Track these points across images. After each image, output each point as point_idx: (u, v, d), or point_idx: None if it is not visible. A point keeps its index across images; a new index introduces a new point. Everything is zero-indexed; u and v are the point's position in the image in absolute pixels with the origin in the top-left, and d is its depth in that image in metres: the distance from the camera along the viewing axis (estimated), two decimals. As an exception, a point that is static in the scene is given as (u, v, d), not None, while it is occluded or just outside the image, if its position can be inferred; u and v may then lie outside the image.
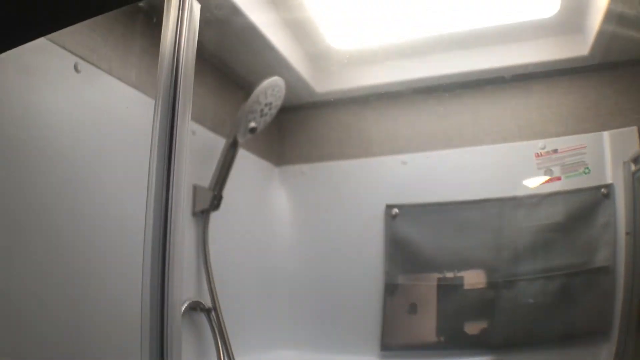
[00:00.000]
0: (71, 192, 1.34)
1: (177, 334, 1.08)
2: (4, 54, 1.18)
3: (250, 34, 1.76)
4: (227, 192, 1.81)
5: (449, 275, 1.90)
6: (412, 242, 1.97)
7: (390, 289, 1.98)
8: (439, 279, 1.91)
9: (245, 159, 2.04)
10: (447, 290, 1.91)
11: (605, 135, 1.80)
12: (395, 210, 2.00)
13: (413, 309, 1.95)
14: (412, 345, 1.96)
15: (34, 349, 1.21)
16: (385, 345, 1.97)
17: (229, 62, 1.93)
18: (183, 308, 1.65)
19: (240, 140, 1.73)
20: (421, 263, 1.95)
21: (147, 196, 1.28)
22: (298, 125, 2.27)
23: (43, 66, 1.32)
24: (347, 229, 2.10)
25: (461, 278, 1.89)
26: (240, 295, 1.94)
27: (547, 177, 1.84)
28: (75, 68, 1.40)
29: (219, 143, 1.81)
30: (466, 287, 1.89)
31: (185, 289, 1.73)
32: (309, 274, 2.14)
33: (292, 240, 2.19)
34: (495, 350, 1.84)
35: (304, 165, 2.22)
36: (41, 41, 1.29)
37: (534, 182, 1.85)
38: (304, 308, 2.13)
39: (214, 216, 1.79)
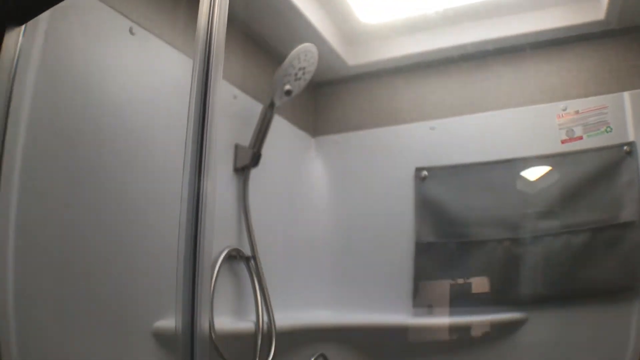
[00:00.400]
0: (122, 144, 1.54)
1: (207, 275, 1.26)
2: (67, 10, 1.40)
3: (289, 12, 1.98)
4: (267, 158, 2.01)
5: (476, 233, 2.03)
6: (441, 202, 2.11)
7: (421, 248, 2.11)
8: (467, 238, 2.05)
9: (285, 128, 2.24)
10: (475, 248, 2.02)
11: (626, 95, 1.92)
12: (425, 173, 2.16)
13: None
14: (443, 301, 2.06)
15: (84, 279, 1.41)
16: (417, 302, 2.10)
17: (269, 38, 2.17)
18: (223, 254, 1.82)
19: (277, 102, 1.91)
20: (450, 222, 2.08)
21: (185, 147, 1.49)
22: (333, 97, 2.49)
23: (102, 27, 1.52)
24: (379, 192, 2.28)
25: (487, 236, 2.01)
26: (277, 251, 2.12)
27: (569, 137, 1.95)
28: (130, 31, 1.61)
29: (258, 108, 2.00)
30: (493, 244, 2.00)
31: (225, 238, 1.91)
32: (344, 235, 2.33)
33: (327, 204, 2.38)
34: (523, 306, 1.95)
35: (338, 135, 2.42)
36: (99, 4, 1.51)
37: (556, 142, 1.96)
38: (338, 267, 2.30)
39: (255, 178, 1.97)
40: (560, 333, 1.89)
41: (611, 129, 1.91)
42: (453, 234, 2.06)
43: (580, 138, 1.95)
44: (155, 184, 1.60)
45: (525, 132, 2.03)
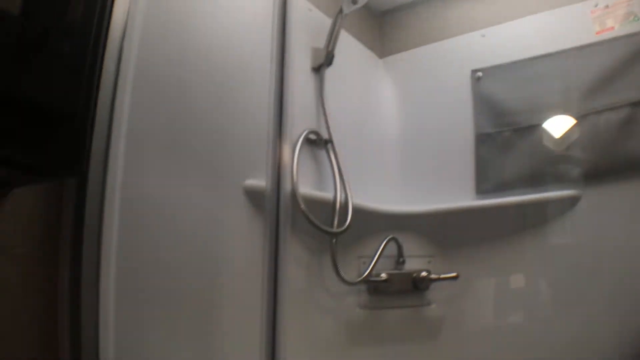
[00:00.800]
0: (222, 43, 1.91)
1: (290, 144, 1.60)
2: None
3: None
4: (340, 67, 2.39)
5: (527, 119, 2.32)
6: (494, 97, 2.43)
7: (481, 139, 2.42)
8: (519, 125, 2.34)
9: (355, 47, 2.65)
10: (527, 132, 2.31)
11: (648, -13, 2.22)
12: (479, 74, 2.49)
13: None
14: (503, 185, 2.34)
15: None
16: (480, 189, 2.39)
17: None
18: (304, 135, 2.17)
19: (345, 10, 2.30)
20: (504, 112, 2.39)
21: (271, 45, 1.91)
22: (395, 21, 2.90)
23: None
24: (440, 96, 2.63)
25: (537, 120, 2.30)
26: (349, 146, 2.40)
27: (602, 28, 2.26)
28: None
29: (329, 22, 2.38)
30: (544, 127, 2.29)
31: (306, 124, 2.24)
32: (410, 135, 2.68)
33: (394, 110, 2.74)
34: (575, 184, 2.20)
35: (403, 53, 2.81)
36: None
37: (591, 34, 2.27)
38: (405, 164, 2.62)
39: (329, 81, 2.34)
40: (613, 206, 2.13)
41: (638, 17, 2.21)
42: (507, 123, 2.37)
43: (612, 28, 2.24)
44: (250, 74, 1.98)
45: (564, 28, 2.33)
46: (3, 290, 1.34)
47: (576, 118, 2.22)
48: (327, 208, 2.18)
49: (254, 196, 1.92)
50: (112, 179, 1.48)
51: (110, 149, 1.46)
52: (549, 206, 2.26)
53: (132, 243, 1.52)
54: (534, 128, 2.30)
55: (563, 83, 2.29)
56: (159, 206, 1.64)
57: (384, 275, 2.34)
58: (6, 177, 1.29)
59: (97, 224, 1.44)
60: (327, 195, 2.20)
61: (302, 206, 1.97)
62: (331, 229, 2.10)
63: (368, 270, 2.25)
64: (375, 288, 2.36)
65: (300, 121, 2.18)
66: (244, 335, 1.88)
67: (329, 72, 2.34)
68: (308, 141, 2.21)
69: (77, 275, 1.42)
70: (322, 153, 2.28)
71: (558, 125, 2.26)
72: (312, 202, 2.07)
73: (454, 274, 2.31)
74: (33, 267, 1.42)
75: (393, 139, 2.69)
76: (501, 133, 2.38)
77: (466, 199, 2.42)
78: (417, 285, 2.38)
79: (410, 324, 2.43)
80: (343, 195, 2.21)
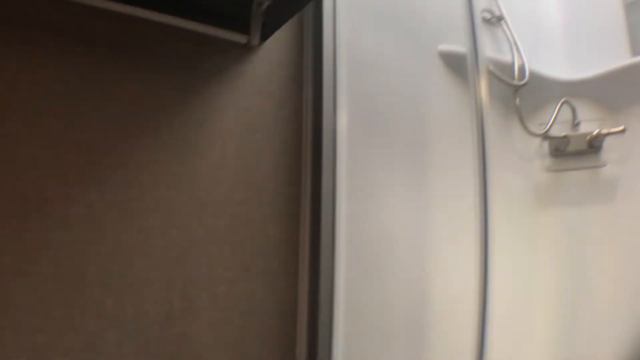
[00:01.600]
0: None
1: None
2: None
3: None
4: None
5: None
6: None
7: (629, 6, 2.76)
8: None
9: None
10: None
11: None
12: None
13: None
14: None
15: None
16: (635, 51, 2.70)
17: None
18: (481, 10, 2.59)
19: None
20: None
21: None
22: None
23: None
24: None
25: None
26: (517, 25, 2.76)
27: None
28: None
29: None
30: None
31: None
32: (569, 17, 2.98)
33: None
34: None
35: None
36: None
37: None
38: (568, 38, 2.94)
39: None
40: None
41: None
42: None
43: None
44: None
45: None
46: (256, 122, 1.81)
47: None
48: (507, 72, 2.57)
49: (449, 59, 2.38)
50: (340, 32, 1.97)
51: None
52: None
53: (356, 85, 2.02)
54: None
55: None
56: (374, 57, 2.12)
57: (563, 134, 2.68)
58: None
59: (332, 63, 1.93)
60: (507, 58, 2.60)
61: (490, 67, 2.38)
62: (514, 82, 2.50)
63: (549, 124, 2.60)
64: (556, 148, 2.70)
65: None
66: (453, 179, 2.28)
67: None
68: (483, 20, 2.63)
69: (319, 104, 1.90)
70: (497, 31, 2.69)
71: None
72: (495, 62, 2.50)
73: (621, 128, 2.60)
74: (281, 101, 1.89)
75: (554, 19, 3.00)
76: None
77: (621, 58, 2.70)
78: (591, 144, 2.68)
79: (588, 186, 2.73)
80: (520, 61, 2.60)
